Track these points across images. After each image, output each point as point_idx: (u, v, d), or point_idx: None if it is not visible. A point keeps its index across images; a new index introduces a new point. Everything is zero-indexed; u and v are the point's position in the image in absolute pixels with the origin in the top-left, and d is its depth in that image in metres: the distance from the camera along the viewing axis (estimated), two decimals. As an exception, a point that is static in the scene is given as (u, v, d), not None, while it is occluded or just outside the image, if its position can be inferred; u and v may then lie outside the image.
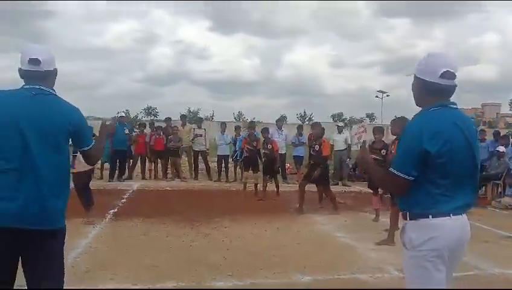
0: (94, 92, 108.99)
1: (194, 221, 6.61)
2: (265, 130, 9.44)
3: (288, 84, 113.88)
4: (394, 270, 4.55)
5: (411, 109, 2.49)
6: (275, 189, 9.31)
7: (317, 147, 7.63)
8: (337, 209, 7.65)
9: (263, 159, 9.19)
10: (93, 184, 10.26)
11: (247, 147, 9.40)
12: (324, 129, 8.16)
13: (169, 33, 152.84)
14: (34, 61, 2.27)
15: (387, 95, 53.63)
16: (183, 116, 13.37)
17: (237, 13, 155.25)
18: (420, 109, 2.20)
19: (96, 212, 6.92)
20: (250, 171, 9.27)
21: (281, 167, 11.42)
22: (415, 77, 2.19)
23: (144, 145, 11.56)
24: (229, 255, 4.93)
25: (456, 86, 2.14)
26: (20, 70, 2.34)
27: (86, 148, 2.44)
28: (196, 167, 11.97)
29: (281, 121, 13.01)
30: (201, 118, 14.21)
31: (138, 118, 43.85)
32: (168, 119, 12.77)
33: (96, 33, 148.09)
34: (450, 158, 2.03)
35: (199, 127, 12.23)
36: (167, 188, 10.16)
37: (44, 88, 2.29)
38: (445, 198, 2.05)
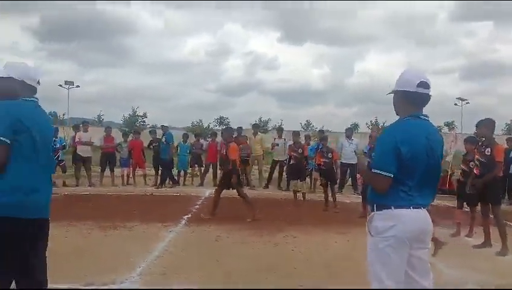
0: (171, 104, 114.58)
1: (263, 229, 6.68)
2: (324, 138, 9.29)
3: (359, 93, 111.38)
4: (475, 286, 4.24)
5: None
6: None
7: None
8: None
9: (323, 169, 8.96)
10: (170, 190, 10.95)
11: (292, 155, 9.31)
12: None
13: (240, 45, 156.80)
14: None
15: (467, 103, 50.11)
16: (255, 126, 13.59)
17: (306, 23, 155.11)
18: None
19: (172, 217, 7.31)
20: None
21: (352, 177, 11.17)
22: (396, 91, 2.61)
23: (216, 154, 11.95)
24: (299, 266, 4.91)
25: (430, 95, 2.56)
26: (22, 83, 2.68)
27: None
28: (270, 176, 11.99)
29: (350, 130, 12.75)
30: (281, 128, 14.24)
31: (210, 127, 45.23)
32: (239, 129, 13.06)
33: (173, 47, 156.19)
34: (415, 162, 2.44)
35: (279, 137, 12.19)
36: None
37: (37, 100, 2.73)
38: (408, 197, 2.45)
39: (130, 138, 12.59)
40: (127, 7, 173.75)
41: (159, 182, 11.71)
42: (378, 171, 2.45)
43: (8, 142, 2.43)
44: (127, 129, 33.05)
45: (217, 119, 53.29)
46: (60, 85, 38.18)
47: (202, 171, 12.37)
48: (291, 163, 9.40)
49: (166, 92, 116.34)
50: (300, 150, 9.16)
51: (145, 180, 12.20)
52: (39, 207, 2.55)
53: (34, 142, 2.52)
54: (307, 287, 4.20)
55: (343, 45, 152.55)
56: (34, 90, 2.72)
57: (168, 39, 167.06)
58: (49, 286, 3.86)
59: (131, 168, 12.02)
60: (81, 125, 12.34)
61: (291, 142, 10.95)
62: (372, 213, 2.55)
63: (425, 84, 2.52)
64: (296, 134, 10.11)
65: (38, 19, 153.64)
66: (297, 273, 4.65)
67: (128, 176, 11.93)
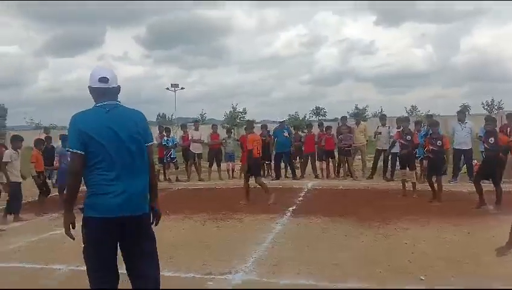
0: (267, 98, 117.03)
1: (372, 221, 6.48)
2: (434, 124, 8.53)
3: (468, 71, 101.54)
4: None
5: None
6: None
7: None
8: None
9: (430, 158, 8.26)
10: (272, 183, 11.16)
11: (400, 142, 8.74)
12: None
13: (334, 33, 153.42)
14: (104, 79, 2.70)
15: None
16: (356, 115, 13.25)
17: (404, 2, 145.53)
18: None
19: (277, 209, 7.46)
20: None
21: (468, 164, 10.27)
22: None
23: (313, 145, 11.89)
24: (415, 259, 4.67)
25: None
26: (90, 88, 2.74)
27: (149, 144, 2.84)
28: (375, 166, 11.56)
29: (462, 112, 11.70)
30: (384, 115, 13.55)
31: (306, 118, 45.07)
32: (343, 118, 12.82)
33: (267, 43, 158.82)
34: None
35: (383, 125, 11.61)
36: (340, 187, 10.20)
37: (113, 102, 2.72)
38: None
39: (233, 134, 13.14)
40: (222, 10, 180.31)
41: (273, 175, 12.05)
42: None
43: (81, 152, 2.56)
44: (228, 125, 34.48)
45: (313, 110, 52.79)
46: (167, 88, 41.34)
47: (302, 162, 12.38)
48: (400, 151, 8.91)
49: (263, 87, 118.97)
50: (408, 137, 8.63)
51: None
52: (126, 205, 2.60)
53: (104, 147, 2.57)
54: (429, 282, 3.99)
55: (446, 21, 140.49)
56: (101, 91, 2.69)
57: (261, 36, 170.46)
58: (172, 274, 4.27)
59: (232, 163, 12.51)
60: (192, 123, 13.26)
61: (395, 129, 10.44)
62: None
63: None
64: (405, 120, 9.57)
65: (145, 30, 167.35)
66: (412, 267, 4.43)
67: (233, 170, 12.44)
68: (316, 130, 12.72)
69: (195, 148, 12.28)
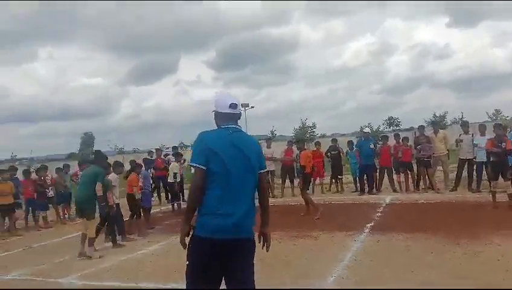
0: (337, 111, 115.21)
1: (459, 237, 6.06)
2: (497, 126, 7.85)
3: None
4: None
5: None
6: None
7: None
8: None
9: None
10: (347, 198, 10.91)
11: (491, 150, 8.02)
12: None
13: (404, 39, 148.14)
14: (234, 106, 2.82)
15: None
16: (434, 123, 12.64)
17: (479, 2, 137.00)
18: None
19: (354, 225, 7.26)
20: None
21: None
22: None
23: (389, 158, 11.45)
24: (509, 277, 4.28)
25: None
26: (217, 113, 2.84)
27: (263, 171, 2.87)
28: (459, 177, 10.79)
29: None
30: (467, 122, 12.56)
31: (380, 129, 43.61)
32: (421, 128, 12.26)
33: (335, 55, 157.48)
34: None
35: (465, 132, 10.81)
36: (421, 201, 9.68)
37: (236, 126, 2.84)
38: None
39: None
40: (288, 25, 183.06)
41: (355, 189, 11.85)
42: None
43: (203, 167, 2.63)
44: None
45: (386, 120, 50.89)
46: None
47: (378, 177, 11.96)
48: (491, 160, 8.28)
49: (332, 100, 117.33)
50: (503, 145, 8.00)
51: (323, 188, 12.45)
52: (235, 228, 2.62)
53: (224, 166, 2.63)
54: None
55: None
56: (229, 116, 2.82)
57: (329, 48, 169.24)
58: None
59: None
60: (264, 141, 13.57)
61: (479, 136, 9.74)
62: None
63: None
64: (499, 126, 8.91)
65: (215, 53, 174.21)
66: (507, 285, 4.06)
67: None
68: (392, 141, 12.20)
69: (267, 165, 12.38)
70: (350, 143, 12.52)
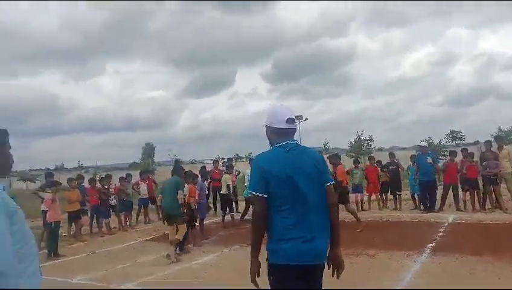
0: (395, 123, 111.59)
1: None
2: None
3: None
4: None
5: None
6: None
7: None
8: None
9: None
10: (406, 216, 10.46)
11: None
12: None
13: (468, 48, 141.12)
14: (291, 120, 2.64)
15: None
16: (498, 138, 11.78)
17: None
18: None
19: (414, 245, 6.94)
20: None
21: None
22: None
23: (455, 174, 10.85)
24: None
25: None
26: (272, 128, 2.66)
27: (329, 183, 2.65)
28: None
29: None
30: None
31: (442, 143, 41.55)
32: (487, 143, 11.39)
33: (393, 65, 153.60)
34: None
35: None
36: (487, 221, 9.07)
37: (293, 142, 2.64)
38: None
39: (360, 164, 12.77)
40: (345, 36, 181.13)
41: (414, 206, 11.40)
42: None
43: (263, 195, 2.48)
44: (354, 154, 33.70)
45: (448, 134, 48.36)
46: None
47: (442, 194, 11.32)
48: None
49: (389, 112, 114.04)
50: None
51: (379, 204, 12.04)
52: (307, 252, 2.46)
53: (286, 189, 2.47)
54: None
55: None
56: (285, 132, 2.63)
57: (387, 58, 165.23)
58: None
59: (363, 194, 12.11)
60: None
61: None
62: None
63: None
64: None
65: (270, 66, 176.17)
66: None
67: (362, 201, 12.03)
68: (458, 157, 11.48)
69: None
70: (413, 157, 11.99)
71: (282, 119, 2.62)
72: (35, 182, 32.34)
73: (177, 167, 8.61)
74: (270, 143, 2.72)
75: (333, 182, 2.72)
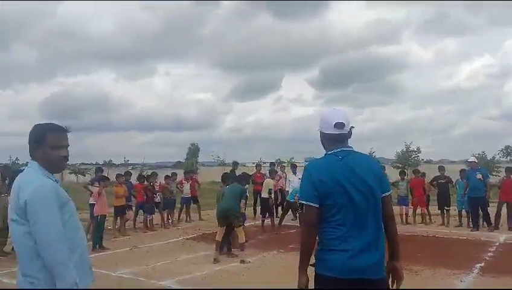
0: (446, 135, 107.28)
1: None
2: None
3: None
4: None
5: None
6: None
7: None
8: None
9: None
10: (454, 233, 9.96)
11: None
12: None
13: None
14: (340, 125, 2.45)
15: None
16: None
17: None
18: None
19: (461, 264, 6.61)
20: None
21: None
22: None
23: (510, 191, 10.22)
24: None
25: None
26: (323, 134, 2.52)
27: (386, 194, 2.48)
28: None
29: None
30: None
31: (495, 159, 39.39)
32: None
33: (447, 76, 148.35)
34: None
35: None
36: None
37: (347, 149, 2.48)
38: None
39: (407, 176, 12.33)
40: (398, 45, 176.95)
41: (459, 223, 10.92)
42: None
43: (315, 205, 2.37)
44: (400, 165, 32.64)
45: (503, 149, 45.73)
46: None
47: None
48: None
49: (440, 123, 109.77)
50: None
51: (425, 219, 11.55)
52: (359, 266, 2.32)
53: (337, 199, 2.35)
54: None
55: None
56: (335, 137, 2.48)
57: (440, 68, 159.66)
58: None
59: (409, 207, 11.68)
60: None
61: None
62: None
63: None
64: None
65: (317, 72, 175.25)
66: None
67: (406, 214, 11.61)
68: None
69: None
70: (462, 172, 11.44)
71: (330, 124, 2.47)
72: (85, 176, 33.79)
73: (242, 176, 8.88)
74: (325, 149, 2.59)
75: (391, 192, 2.55)
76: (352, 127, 2.55)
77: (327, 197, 2.36)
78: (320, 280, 2.40)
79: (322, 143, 2.59)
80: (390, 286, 2.49)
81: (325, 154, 2.53)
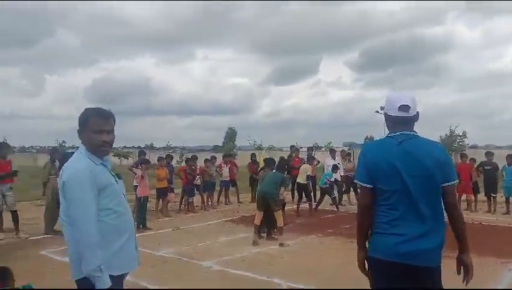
0: (493, 120, 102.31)
1: None
2: None
3: None
4: None
5: None
6: None
7: None
8: None
9: None
10: (501, 220, 9.57)
11: None
12: None
13: None
14: (404, 108, 2.39)
15: None
16: None
17: None
18: None
19: (510, 252, 6.36)
20: None
21: None
22: None
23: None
24: None
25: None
26: (388, 116, 2.47)
27: (449, 184, 2.34)
28: None
29: None
30: None
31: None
32: None
33: (494, 58, 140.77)
34: None
35: None
36: None
37: (408, 133, 2.40)
38: None
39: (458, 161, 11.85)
40: (442, 25, 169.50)
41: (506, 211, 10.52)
42: None
43: (369, 186, 2.36)
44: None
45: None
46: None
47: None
48: None
49: (487, 107, 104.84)
50: None
51: (470, 206, 11.13)
52: (407, 251, 2.26)
53: (391, 183, 2.31)
54: None
55: None
56: (399, 120, 2.42)
57: (487, 49, 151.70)
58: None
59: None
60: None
61: None
62: None
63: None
64: None
65: (357, 54, 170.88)
66: None
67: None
68: None
69: None
70: (509, 157, 10.89)
71: (395, 106, 2.42)
72: (128, 159, 34.93)
73: (283, 163, 8.89)
74: (388, 131, 2.55)
75: (454, 181, 2.39)
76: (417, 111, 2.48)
77: (379, 179, 2.35)
78: (373, 263, 2.41)
79: (386, 125, 2.55)
80: (461, 282, 2.47)
81: (385, 137, 2.50)
